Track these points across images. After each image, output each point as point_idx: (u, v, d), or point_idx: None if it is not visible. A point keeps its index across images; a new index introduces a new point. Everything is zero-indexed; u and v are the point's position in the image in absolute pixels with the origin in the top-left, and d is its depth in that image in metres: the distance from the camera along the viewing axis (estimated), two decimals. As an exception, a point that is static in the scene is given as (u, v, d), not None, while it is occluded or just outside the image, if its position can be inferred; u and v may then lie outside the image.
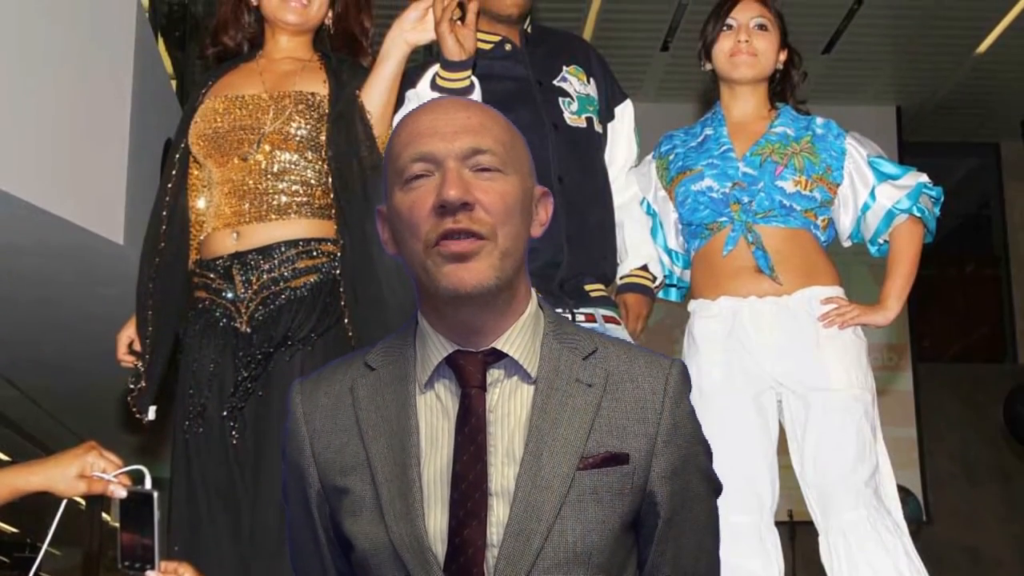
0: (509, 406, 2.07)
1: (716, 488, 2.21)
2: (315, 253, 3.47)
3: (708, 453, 2.19)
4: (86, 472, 2.67)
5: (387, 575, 2.04)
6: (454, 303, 2.01)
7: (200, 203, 3.68)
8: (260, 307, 3.42)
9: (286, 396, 2.22)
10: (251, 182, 3.51)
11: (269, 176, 3.51)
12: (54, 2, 6.13)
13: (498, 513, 2.00)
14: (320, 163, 3.52)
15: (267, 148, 3.52)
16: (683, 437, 2.10)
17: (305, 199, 3.51)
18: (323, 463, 2.13)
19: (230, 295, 3.46)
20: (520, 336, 2.08)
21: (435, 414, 2.08)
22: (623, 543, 2.09)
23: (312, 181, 3.52)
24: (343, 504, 2.10)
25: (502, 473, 2.02)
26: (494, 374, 2.08)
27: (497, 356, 2.07)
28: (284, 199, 3.50)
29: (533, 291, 2.15)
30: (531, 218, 2.11)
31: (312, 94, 3.58)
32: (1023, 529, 11.57)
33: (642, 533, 2.13)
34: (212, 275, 3.50)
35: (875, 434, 3.78)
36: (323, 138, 3.52)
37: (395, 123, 2.14)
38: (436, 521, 2.01)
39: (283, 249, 3.45)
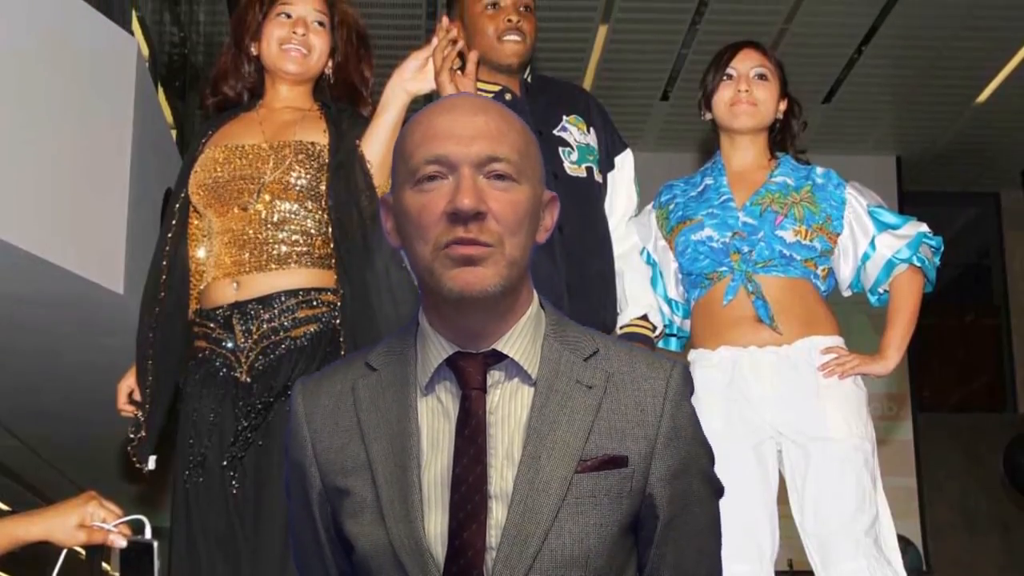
0: (510, 408, 2.06)
1: (718, 490, 2.19)
2: (315, 303, 3.46)
3: (710, 455, 2.17)
4: (86, 522, 2.67)
5: None
6: (457, 306, 2.00)
7: (200, 253, 3.67)
8: (260, 357, 3.41)
9: (290, 398, 2.22)
10: (251, 232, 3.51)
11: (269, 226, 3.50)
12: (54, 52, 6.15)
13: (497, 516, 1.99)
14: (320, 213, 3.52)
15: (267, 198, 3.51)
16: (684, 439, 2.09)
17: (305, 249, 3.50)
18: (324, 463, 2.12)
19: (230, 345, 3.45)
20: (521, 338, 2.07)
21: (436, 416, 2.07)
22: (622, 546, 2.08)
23: (312, 231, 3.52)
24: (344, 505, 2.09)
25: (502, 475, 2.02)
26: (495, 376, 2.07)
27: (498, 357, 2.07)
28: (284, 249, 3.49)
29: (535, 292, 2.14)
30: (538, 224, 2.10)
31: (312, 144, 3.58)
32: (1023, 579, 11.55)
33: (641, 536, 2.12)
34: (212, 325, 3.49)
35: (875, 484, 3.78)
36: (323, 188, 3.52)
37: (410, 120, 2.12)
38: (436, 523, 2.01)
39: (283, 299, 3.44)
